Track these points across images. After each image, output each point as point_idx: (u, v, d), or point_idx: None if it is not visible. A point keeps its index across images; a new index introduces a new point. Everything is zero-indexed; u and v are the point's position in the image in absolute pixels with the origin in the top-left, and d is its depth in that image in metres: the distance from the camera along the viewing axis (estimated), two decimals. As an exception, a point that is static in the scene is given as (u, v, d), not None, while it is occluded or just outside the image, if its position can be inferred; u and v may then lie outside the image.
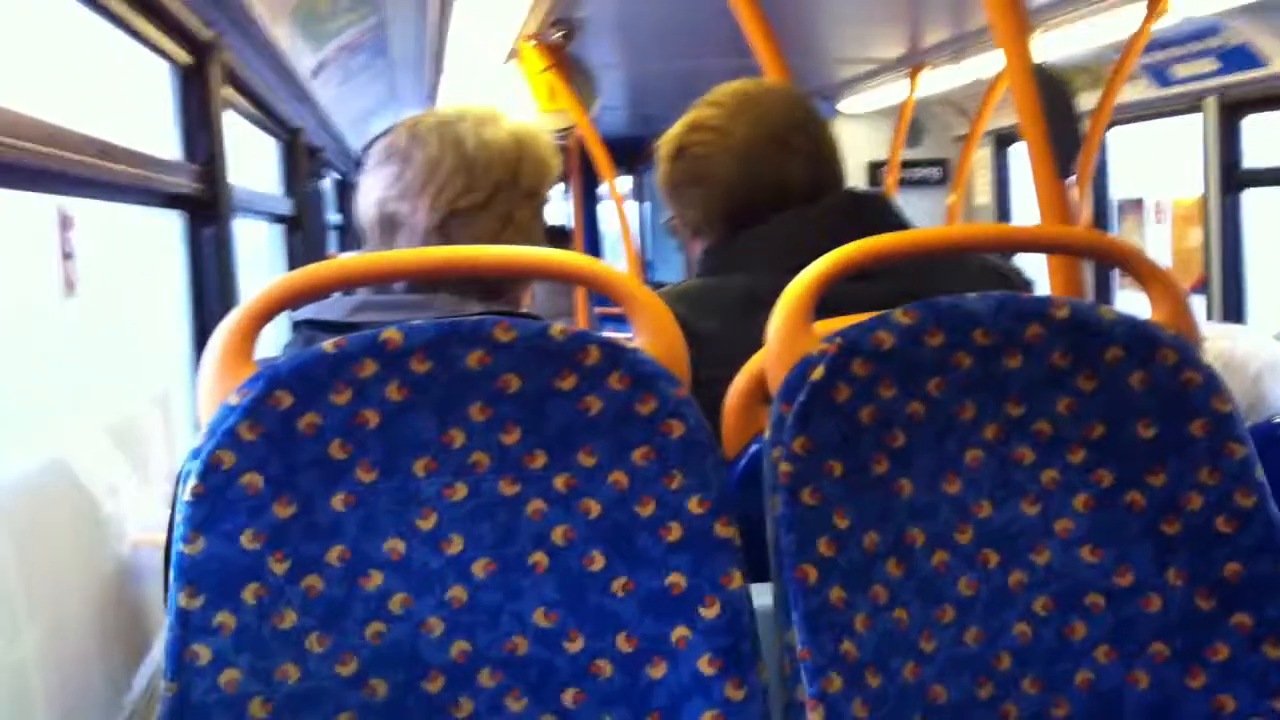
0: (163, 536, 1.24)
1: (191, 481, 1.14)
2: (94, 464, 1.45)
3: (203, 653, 1.12)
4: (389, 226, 1.51)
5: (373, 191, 1.52)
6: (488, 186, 1.50)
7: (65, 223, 1.88)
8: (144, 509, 1.59)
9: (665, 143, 1.78)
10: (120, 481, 1.53)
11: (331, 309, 1.41)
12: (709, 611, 1.18)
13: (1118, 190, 5.42)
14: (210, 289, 2.80)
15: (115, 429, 1.59)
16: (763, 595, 1.22)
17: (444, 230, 1.49)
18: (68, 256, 1.83)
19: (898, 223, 1.68)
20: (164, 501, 1.68)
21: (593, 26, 4.12)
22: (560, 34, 4.11)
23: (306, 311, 1.41)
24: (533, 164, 1.54)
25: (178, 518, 1.14)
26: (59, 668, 1.27)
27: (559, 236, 6.56)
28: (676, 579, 1.19)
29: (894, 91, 5.55)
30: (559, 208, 10.14)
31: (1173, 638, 1.25)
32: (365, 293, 1.43)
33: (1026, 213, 6.01)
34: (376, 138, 1.57)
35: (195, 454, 1.15)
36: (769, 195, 1.69)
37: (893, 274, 1.49)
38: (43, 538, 1.28)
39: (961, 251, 1.61)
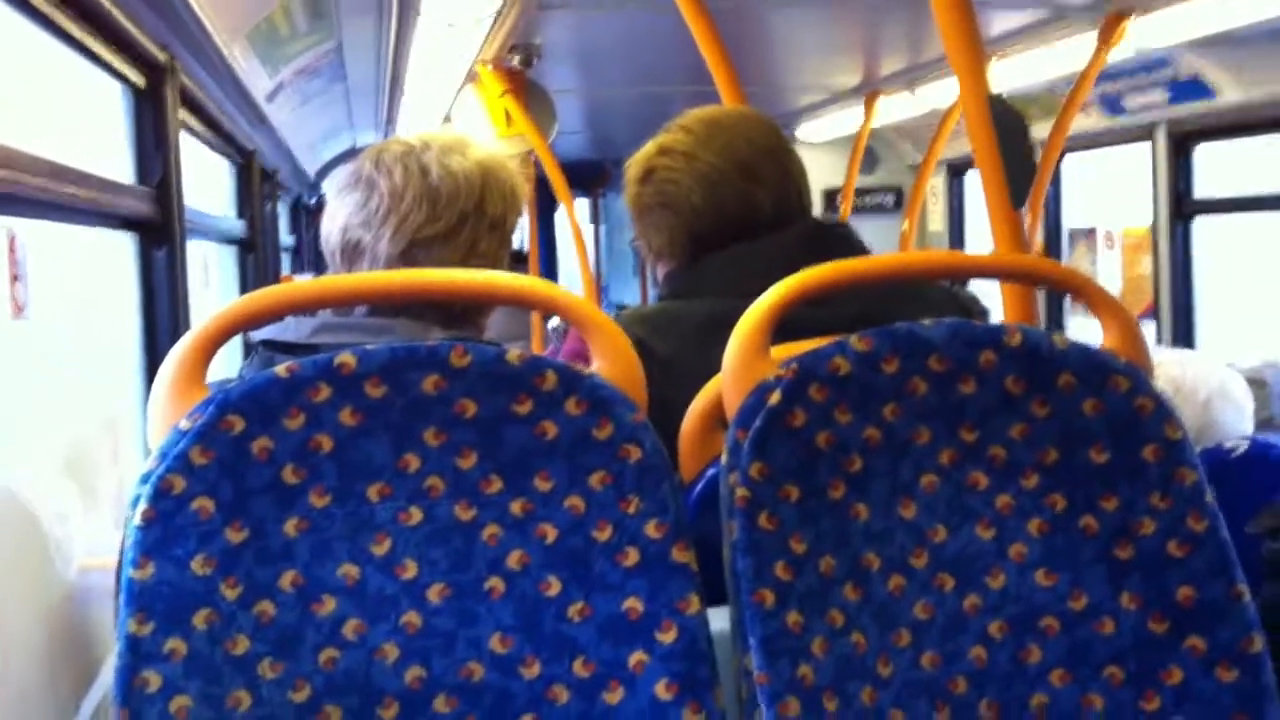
0: (111, 560, 1.22)
1: (141, 506, 1.13)
2: (40, 488, 1.43)
3: (153, 679, 1.10)
4: (352, 253, 1.51)
5: (337, 218, 1.52)
6: (451, 217, 1.50)
7: (14, 244, 1.86)
8: (92, 532, 1.57)
9: (634, 164, 1.78)
10: (68, 506, 1.51)
11: (291, 330, 1.40)
12: (666, 636, 1.18)
13: (1070, 219, 5.48)
14: (162, 312, 2.78)
15: (62, 453, 1.57)
16: (720, 619, 1.22)
17: (407, 258, 1.49)
18: (16, 279, 1.81)
19: (860, 251, 1.69)
20: (113, 525, 1.66)
21: (551, 52, 4.12)
22: (518, 59, 4.11)
23: (266, 332, 1.40)
24: (498, 194, 1.54)
25: (127, 543, 1.13)
26: (5, 695, 1.24)
27: (515, 260, 6.54)
28: (634, 604, 1.19)
29: (849, 120, 5.59)
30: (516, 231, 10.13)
31: (1127, 661, 1.25)
32: (327, 314, 1.42)
33: (979, 240, 6.07)
34: (334, 160, 1.57)
35: (145, 478, 1.14)
36: (734, 223, 1.70)
37: (852, 300, 1.50)
38: (-12, 563, 1.26)
39: (916, 278, 1.62)
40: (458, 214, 1.50)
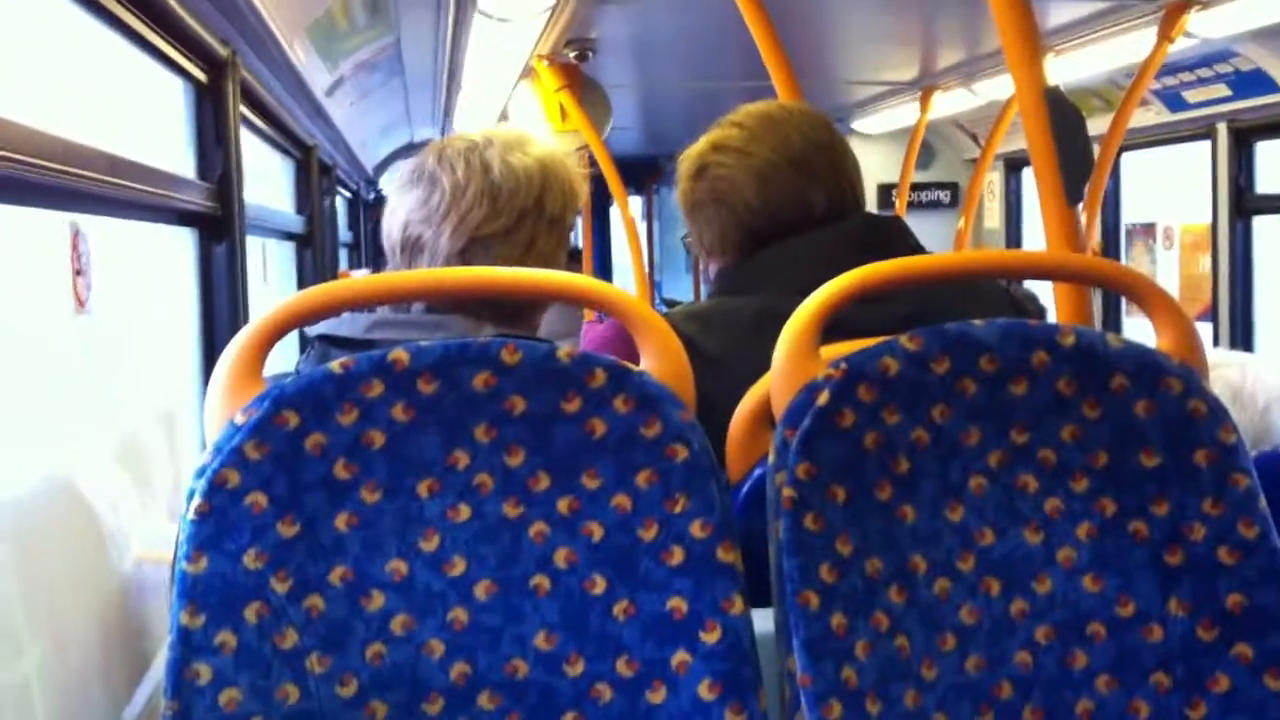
0: (166, 553, 1.24)
1: (196, 500, 1.14)
2: (98, 481, 1.46)
3: (203, 672, 1.12)
4: (412, 249, 1.52)
5: (398, 213, 1.53)
6: (511, 214, 1.51)
7: (77, 239, 1.89)
8: (148, 525, 1.60)
9: (686, 160, 1.78)
10: (124, 498, 1.53)
11: (347, 325, 1.42)
12: (710, 636, 1.18)
13: (1130, 215, 5.42)
14: (220, 306, 2.81)
15: (119, 446, 1.60)
16: (764, 620, 1.22)
17: (466, 255, 1.50)
18: (79, 273, 1.84)
19: (913, 248, 1.68)
20: (169, 517, 1.69)
21: (607, 47, 4.13)
22: (574, 54, 4.12)
23: (322, 326, 1.42)
24: (557, 191, 1.55)
25: (180, 536, 1.15)
26: (61, 685, 1.27)
27: (570, 258, 6.56)
28: (678, 603, 1.19)
29: (905, 114, 5.56)
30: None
31: (1174, 668, 1.24)
32: (384, 310, 1.44)
33: (1036, 237, 6.01)
34: (392, 155, 1.58)
35: (200, 472, 1.16)
36: (788, 218, 1.69)
37: (904, 297, 1.49)
38: (46, 555, 1.28)
39: (969, 277, 1.61)
40: (518, 212, 1.51)
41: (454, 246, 1.50)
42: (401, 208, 1.53)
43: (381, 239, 1.58)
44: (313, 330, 1.43)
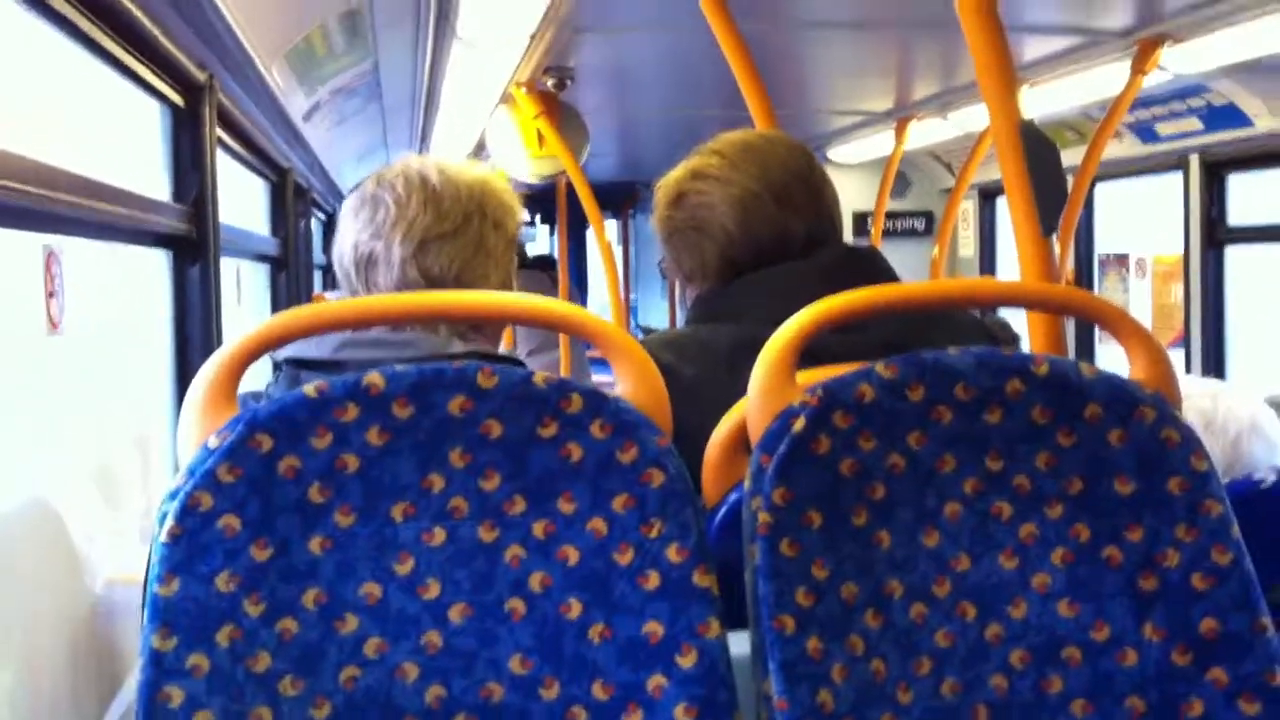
0: (137, 575, 1.24)
1: (168, 523, 1.14)
2: (69, 503, 1.45)
3: (175, 694, 1.11)
4: (366, 264, 1.54)
5: (348, 238, 1.56)
6: (456, 216, 1.54)
7: (51, 261, 1.88)
8: (119, 547, 1.59)
9: (664, 187, 1.78)
10: (95, 520, 1.52)
11: (314, 347, 1.42)
12: (686, 660, 1.18)
13: (1103, 245, 5.47)
14: (194, 328, 2.80)
15: (91, 468, 1.59)
16: (740, 643, 1.22)
17: (419, 258, 1.52)
18: (52, 295, 1.83)
19: (888, 277, 1.69)
20: (141, 539, 1.68)
21: (585, 74, 4.14)
22: (552, 82, 4.13)
23: (289, 350, 1.41)
24: (496, 201, 1.59)
25: (153, 559, 1.14)
26: (32, 708, 1.26)
27: (548, 266, 6.55)
28: (654, 627, 1.19)
29: (881, 143, 5.59)
30: (545, 245, 10.21)
31: (1148, 692, 1.25)
32: (347, 331, 1.44)
33: (1011, 266, 6.04)
34: (355, 188, 1.60)
35: (173, 495, 1.15)
36: (767, 247, 1.70)
37: (878, 326, 1.50)
38: (17, 577, 1.27)
39: (943, 306, 1.62)
40: (462, 213, 1.54)
41: (406, 251, 1.52)
42: (350, 232, 1.56)
43: (334, 267, 1.60)
44: (279, 354, 1.42)
